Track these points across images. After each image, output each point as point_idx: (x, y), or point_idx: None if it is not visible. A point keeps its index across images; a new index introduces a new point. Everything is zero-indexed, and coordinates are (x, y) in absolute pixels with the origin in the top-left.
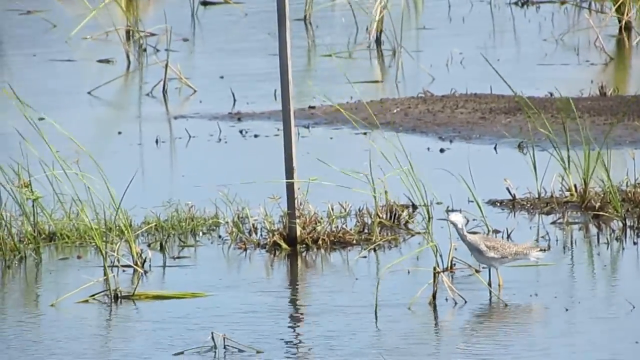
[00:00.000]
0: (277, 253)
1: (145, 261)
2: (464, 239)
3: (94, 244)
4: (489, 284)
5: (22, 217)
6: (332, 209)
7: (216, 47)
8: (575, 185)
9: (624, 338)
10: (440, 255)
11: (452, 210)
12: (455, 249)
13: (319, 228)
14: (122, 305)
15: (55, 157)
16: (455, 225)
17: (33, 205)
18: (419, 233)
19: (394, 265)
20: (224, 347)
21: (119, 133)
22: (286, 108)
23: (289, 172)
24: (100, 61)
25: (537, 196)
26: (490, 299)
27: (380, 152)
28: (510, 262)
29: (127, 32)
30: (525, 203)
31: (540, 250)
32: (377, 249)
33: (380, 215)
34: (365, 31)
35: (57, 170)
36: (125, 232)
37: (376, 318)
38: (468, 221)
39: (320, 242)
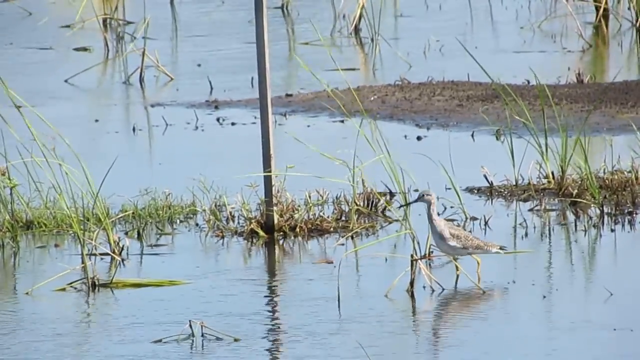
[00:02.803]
0: (255, 241)
1: (122, 249)
2: (430, 217)
3: (71, 232)
4: (478, 276)
5: None
6: (310, 197)
7: (194, 35)
8: (552, 173)
9: (602, 325)
10: (418, 243)
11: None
12: None
13: (296, 216)
14: (99, 293)
15: (37, 142)
16: (428, 203)
17: (10, 193)
18: (396, 220)
19: (371, 253)
20: (202, 335)
21: (96, 121)
22: (263, 96)
23: (267, 160)
24: (77, 49)
25: (514, 183)
26: (457, 285)
27: (360, 138)
28: (469, 253)
29: (105, 20)
30: (502, 190)
31: (501, 248)
32: (354, 236)
33: (358, 203)
34: (343, 19)
35: (35, 157)
36: (103, 220)
37: (339, 306)
38: (446, 210)
39: (297, 229)
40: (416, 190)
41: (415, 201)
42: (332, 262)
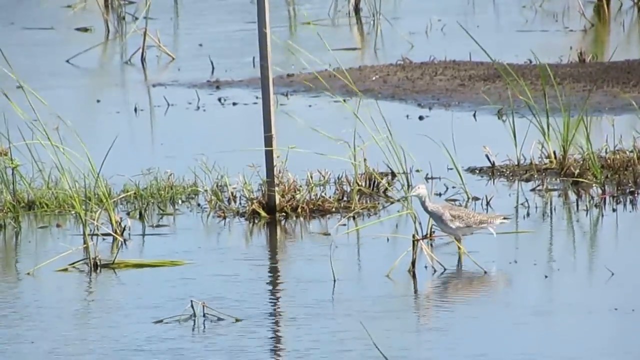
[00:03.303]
0: (256, 221)
1: (124, 229)
2: (426, 209)
3: (73, 212)
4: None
5: (1, 185)
6: (312, 177)
7: (195, 14)
8: (554, 152)
9: (603, 305)
10: (420, 223)
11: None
12: None
13: (298, 196)
14: (101, 274)
15: (40, 122)
16: (420, 197)
17: (12, 174)
18: (398, 201)
19: (373, 233)
20: (203, 315)
21: (98, 101)
22: (265, 76)
23: (268, 140)
24: (78, 29)
25: (516, 163)
26: (460, 266)
27: (362, 118)
28: (474, 230)
29: (106, 0)
30: (504, 170)
31: (505, 218)
32: (356, 216)
33: (360, 183)
34: None
35: (37, 138)
36: (104, 200)
37: (334, 285)
38: (447, 190)
39: (299, 210)
40: (418, 171)
41: (410, 195)
42: (329, 234)
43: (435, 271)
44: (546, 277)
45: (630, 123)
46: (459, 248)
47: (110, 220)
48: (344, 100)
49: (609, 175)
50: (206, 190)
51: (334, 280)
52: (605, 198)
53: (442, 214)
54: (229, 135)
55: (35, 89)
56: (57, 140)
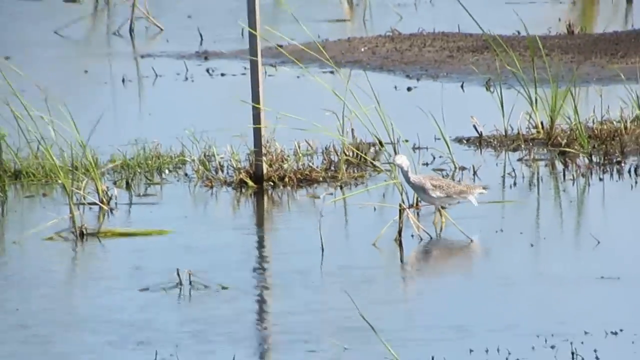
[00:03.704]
0: (244, 191)
1: (111, 199)
2: (408, 180)
3: (59, 182)
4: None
5: None
6: (299, 147)
7: None
8: (542, 123)
9: (589, 273)
10: (406, 192)
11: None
12: None
13: (285, 166)
14: (87, 243)
15: (18, 96)
16: (400, 167)
17: None
18: (384, 171)
19: (360, 202)
20: (190, 284)
21: (86, 72)
22: (253, 47)
23: (256, 110)
24: (67, 0)
25: (504, 133)
26: (445, 233)
27: (350, 89)
28: (454, 201)
29: None
30: (492, 140)
31: (484, 188)
32: (343, 186)
33: (347, 153)
34: None
35: (29, 109)
36: (91, 170)
37: (322, 254)
38: (435, 160)
39: (286, 179)
40: (405, 141)
41: (390, 162)
42: (318, 197)
43: (421, 240)
44: (532, 245)
45: (617, 94)
46: (441, 216)
47: (97, 189)
48: (332, 72)
49: (596, 145)
50: (193, 160)
51: (322, 250)
52: (588, 168)
53: (424, 184)
54: (218, 105)
55: (24, 59)
56: (45, 111)
